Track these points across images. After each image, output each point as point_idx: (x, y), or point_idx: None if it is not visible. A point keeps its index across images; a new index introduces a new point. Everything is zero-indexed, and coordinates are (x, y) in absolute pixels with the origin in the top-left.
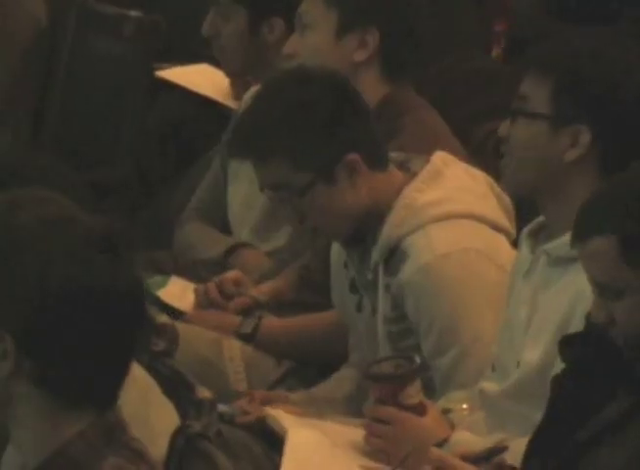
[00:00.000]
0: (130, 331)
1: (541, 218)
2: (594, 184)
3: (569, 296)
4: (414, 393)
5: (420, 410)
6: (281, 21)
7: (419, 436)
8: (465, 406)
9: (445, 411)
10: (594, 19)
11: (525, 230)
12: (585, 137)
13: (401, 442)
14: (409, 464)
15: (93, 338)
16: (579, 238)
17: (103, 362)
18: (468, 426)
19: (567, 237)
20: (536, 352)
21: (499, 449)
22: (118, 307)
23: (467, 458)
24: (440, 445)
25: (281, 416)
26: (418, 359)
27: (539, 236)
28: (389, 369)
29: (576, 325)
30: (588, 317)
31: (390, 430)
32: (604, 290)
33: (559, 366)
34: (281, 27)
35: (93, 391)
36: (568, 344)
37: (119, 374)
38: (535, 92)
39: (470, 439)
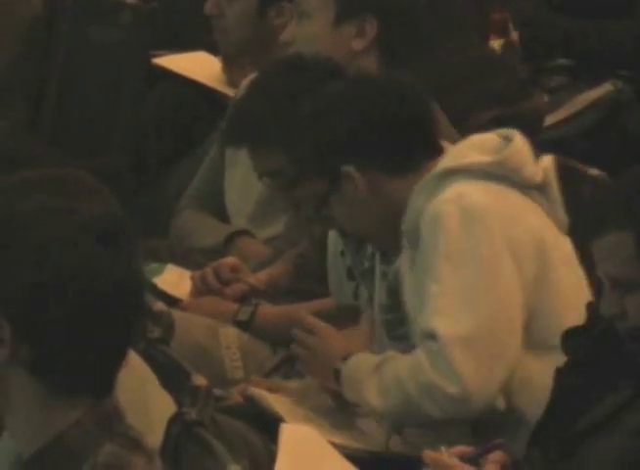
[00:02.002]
0: (127, 319)
1: None
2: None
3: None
4: None
5: None
6: (290, 5)
7: (331, 351)
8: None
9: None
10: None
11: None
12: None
13: (317, 353)
14: (320, 377)
15: (90, 325)
16: (594, 233)
17: (99, 350)
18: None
19: (409, 205)
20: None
21: (494, 446)
22: (116, 295)
23: (463, 458)
24: (344, 359)
25: (264, 396)
26: (362, 309)
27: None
28: (330, 312)
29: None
30: (590, 310)
31: (312, 340)
32: (617, 283)
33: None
34: (289, 12)
35: (89, 379)
36: (570, 336)
37: (116, 362)
38: None
39: (364, 356)
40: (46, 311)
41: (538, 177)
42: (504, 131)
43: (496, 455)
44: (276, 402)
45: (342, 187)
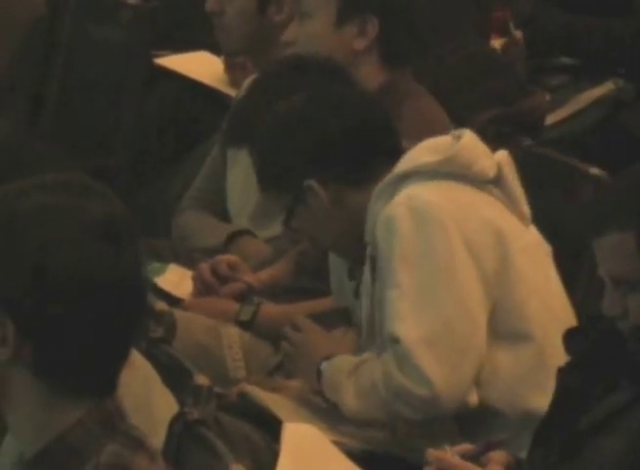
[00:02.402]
0: (130, 318)
1: None
2: None
3: None
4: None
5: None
6: (290, 2)
7: (316, 350)
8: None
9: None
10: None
11: None
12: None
13: (303, 351)
14: (304, 376)
15: (93, 325)
16: (595, 233)
17: (102, 350)
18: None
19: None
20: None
21: (494, 444)
22: (119, 295)
23: (465, 455)
24: (327, 359)
25: (257, 392)
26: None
27: None
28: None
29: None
30: (590, 309)
31: (299, 338)
32: (619, 283)
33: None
34: (289, 8)
35: (92, 378)
36: (572, 336)
37: (118, 361)
38: None
39: (345, 357)
40: (49, 310)
41: (492, 172)
42: (456, 132)
43: (499, 456)
44: (270, 400)
45: (307, 200)
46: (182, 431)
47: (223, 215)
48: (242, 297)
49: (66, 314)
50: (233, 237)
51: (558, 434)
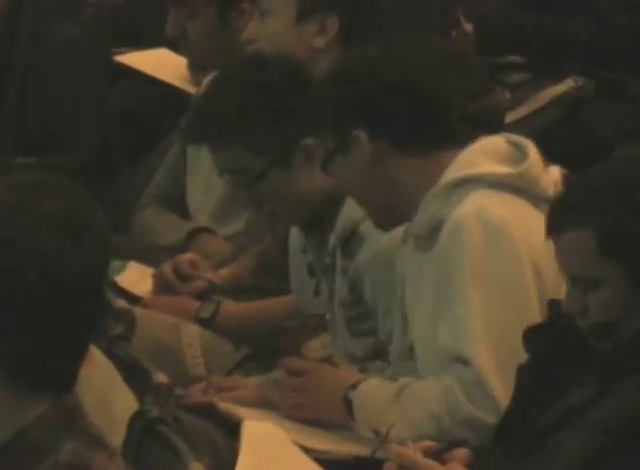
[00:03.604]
0: (88, 314)
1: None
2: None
3: (436, 259)
4: (319, 346)
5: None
6: (250, 5)
7: (332, 384)
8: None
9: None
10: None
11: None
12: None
13: (317, 390)
14: (326, 415)
15: (50, 320)
16: (556, 231)
17: (60, 344)
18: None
19: (421, 208)
20: (426, 324)
21: (458, 442)
22: (75, 291)
23: (428, 452)
24: (353, 388)
25: (232, 409)
26: (326, 317)
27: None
28: (294, 323)
29: (440, 278)
30: (552, 307)
31: (306, 381)
32: (578, 281)
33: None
34: (250, 11)
35: (50, 373)
36: (531, 334)
37: (77, 357)
38: None
39: (377, 383)
40: (6, 305)
41: (550, 190)
42: (510, 136)
43: (462, 453)
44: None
45: (350, 150)
46: (142, 429)
47: (183, 213)
48: (202, 295)
49: (23, 309)
50: (193, 234)
51: (518, 431)
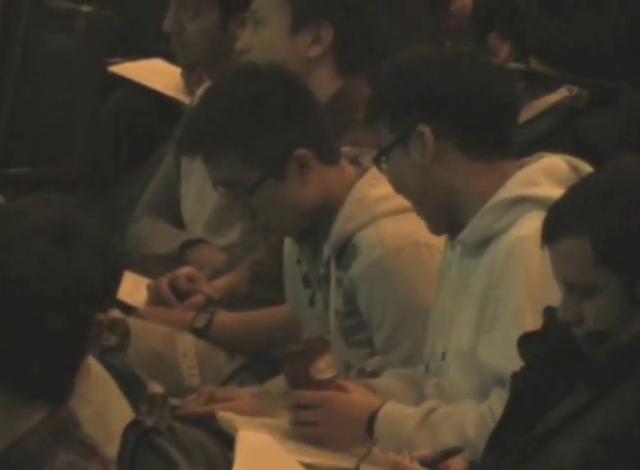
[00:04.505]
0: (85, 323)
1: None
2: (474, 167)
3: (485, 272)
4: (325, 367)
5: (334, 386)
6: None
7: (351, 412)
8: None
9: (360, 372)
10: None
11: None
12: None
13: (334, 422)
14: (349, 444)
15: (43, 329)
16: (551, 238)
17: (53, 353)
18: (393, 396)
19: (475, 219)
20: (467, 335)
21: (455, 451)
22: (74, 298)
23: (424, 461)
24: (373, 417)
25: (232, 419)
26: (327, 337)
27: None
28: (298, 347)
29: (493, 296)
30: (548, 314)
31: (320, 413)
32: (574, 289)
33: (487, 347)
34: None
35: (46, 385)
36: (526, 341)
37: (71, 368)
38: None
39: (397, 409)
40: (4, 317)
41: None
42: (571, 159)
43: (457, 463)
44: (244, 425)
45: (410, 145)
46: (136, 439)
47: (177, 222)
48: (201, 308)
49: (15, 318)
50: (187, 245)
51: (512, 439)
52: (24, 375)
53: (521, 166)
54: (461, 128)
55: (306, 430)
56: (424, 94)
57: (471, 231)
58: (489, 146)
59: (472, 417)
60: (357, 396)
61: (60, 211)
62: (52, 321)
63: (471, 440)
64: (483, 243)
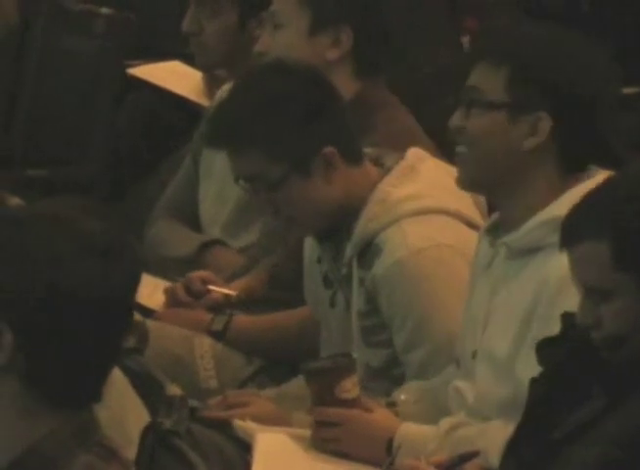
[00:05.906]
0: (118, 333)
1: (497, 215)
2: (552, 176)
3: (533, 286)
4: (350, 386)
5: (358, 405)
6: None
7: (372, 432)
8: (403, 397)
9: (390, 405)
10: (563, 18)
11: (484, 226)
12: (545, 124)
13: (355, 441)
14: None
15: (85, 338)
16: (570, 242)
17: (90, 363)
18: (411, 417)
19: (526, 228)
20: (504, 344)
21: (470, 455)
22: (113, 311)
23: (440, 466)
24: (393, 434)
25: (249, 427)
26: (354, 355)
27: (498, 230)
28: (326, 364)
29: (541, 314)
30: (566, 319)
31: (342, 431)
32: (592, 292)
33: (526, 364)
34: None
35: (77, 390)
36: (545, 346)
37: (103, 375)
38: (489, 82)
39: (415, 429)
40: (48, 322)
41: None
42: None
43: (474, 467)
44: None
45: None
46: (155, 441)
47: (195, 225)
48: (216, 308)
49: (62, 327)
50: (205, 247)
51: (530, 445)
52: (59, 381)
53: (577, 180)
54: (573, 126)
55: (327, 446)
56: (546, 83)
57: (521, 237)
58: (587, 157)
59: (498, 445)
60: (379, 416)
61: (107, 223)
62: (90, 333)
63: (493, 466)
64: (529, 251)
